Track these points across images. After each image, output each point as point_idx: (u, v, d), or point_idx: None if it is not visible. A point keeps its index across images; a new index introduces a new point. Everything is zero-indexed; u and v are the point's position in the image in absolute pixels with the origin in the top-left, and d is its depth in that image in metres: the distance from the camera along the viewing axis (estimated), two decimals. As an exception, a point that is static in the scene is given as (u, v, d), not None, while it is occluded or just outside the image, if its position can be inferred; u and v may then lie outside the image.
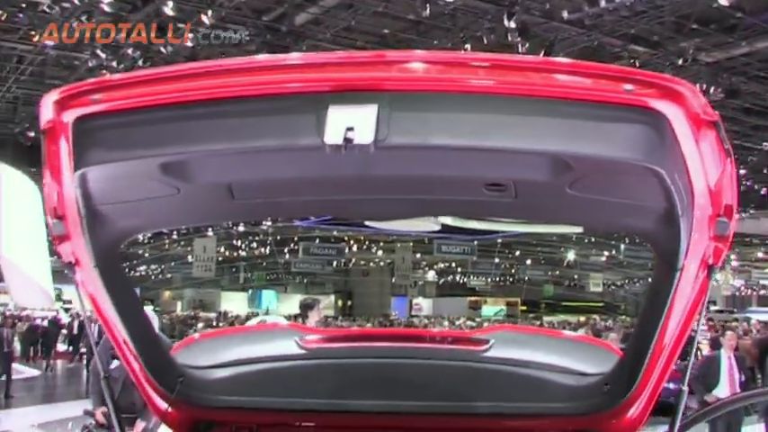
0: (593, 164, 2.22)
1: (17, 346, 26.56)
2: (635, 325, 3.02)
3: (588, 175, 2.34)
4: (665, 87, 2.04)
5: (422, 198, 2.81)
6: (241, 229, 42.31)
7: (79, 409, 12.81)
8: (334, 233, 46.99)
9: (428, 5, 14.52)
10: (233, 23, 16.45)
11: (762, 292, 70.86)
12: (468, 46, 16.22)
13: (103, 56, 16.35)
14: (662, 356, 2.58)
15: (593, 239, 47.73)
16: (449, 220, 35.72)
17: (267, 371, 3.16)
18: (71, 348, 33.77)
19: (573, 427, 3.02)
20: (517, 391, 3.07)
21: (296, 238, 46.81)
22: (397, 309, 60.22)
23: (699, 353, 16.41)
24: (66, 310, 41.71)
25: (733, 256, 50.97)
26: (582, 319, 44.77)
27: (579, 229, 40.33)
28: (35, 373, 26.77)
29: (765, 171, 27.85)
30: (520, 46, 15.28)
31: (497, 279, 64.59)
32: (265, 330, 4.63)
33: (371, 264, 62.50)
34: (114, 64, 16.62)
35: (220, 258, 49.96)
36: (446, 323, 41.49)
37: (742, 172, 27.49)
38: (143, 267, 59.29)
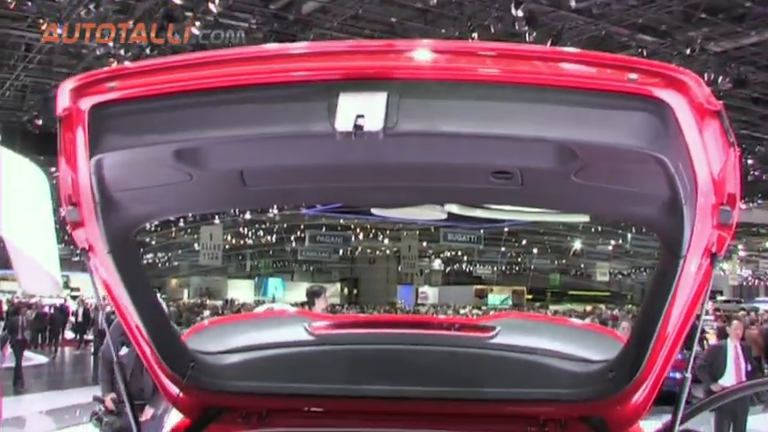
0: (598, 152, 2.25)
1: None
2: (639, 312, 3.04)
3: (593, 163, 2.37)
4: (669, 77, 2.06)
5: (429, 186, 2.84)
6: (248, 216, 42.36)
7: (86, 396, 12.92)
8: (341, 221, 47.08)
9: (436, -6, 14.53)
10: (240, 12, 16.47)
11: (769, 281, 70.84)
12: (475, 35, 16.21)
13: (111, 44, 16.37)
14: (666, 344, 2.60)
15: (599, 229, 47.69)
16: (455, 209, 35.75)
17: (277, 357, 3.20)
18: (77, 336, 34.00)
19: (577, 413, 3.05)
20: (523, 377, 3.10)
21: (302, 226, 46.90)
22: (403, 297, 60.32)
23: (705, 342, 16.47)
24: (74, 297, 41.90)
25: (740, 246, 50.91)
26: (588, 308, 44.83)
27: (586, 218, 40.35)
28: (43, 360, 26.90)
29: (773, 161, 27.80)
30: (527, 35, 15.26)
31: (503, 268, 64.63)
32: (275, 317, 4.66)
33: (378, 252, 62.63)
34: (122, 53, 16.65)
35: (227, 246, 50.10)
36: (450, 312, 41.54)
37: (750, 162, 27.42)
38: (150, 255, 59.52)
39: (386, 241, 55.98)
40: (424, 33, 16.92)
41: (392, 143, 2.11)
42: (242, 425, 3.19)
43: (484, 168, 2.54)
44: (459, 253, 60.82)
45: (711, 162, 2.16)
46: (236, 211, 38.71)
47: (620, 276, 71.90)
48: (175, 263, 65.59)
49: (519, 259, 62.09)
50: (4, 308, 30.80)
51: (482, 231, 42.08)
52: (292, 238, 51.27)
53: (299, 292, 59.13)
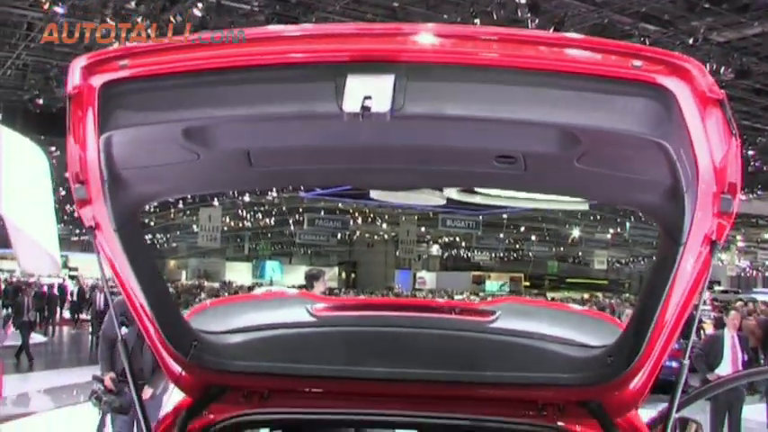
0: (601, 137, 2.27)
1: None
2: (638, 299, 3.06)
3: (596, 148, 2.39)
4: (673, 64, 2.08)
5: (433, 169, 2.86)
6: (247, 199, 42.38)
7: (84, 376, 12.99)
8: (340, 205, 47.09)
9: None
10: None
11: (767, 273, 70.97)
12: (477, 21, 16.17)
13: (113, 24, 16.32)
14: (664, 330, 2.62)
15: (598, 217, 47.74)
16: (454, 195, 35.77)
17: (279, 337, 3.21)
18: (72, 315, 34.17)
19: (576, 398, 3.06)
20: (522, 361, 3.12)
21: (301, 210, 46.91)
22: (400, 282, 60.47)
23: (702, 332, 16.52)
24: (72, 277, 42.00)
25: (739, 237, 50.99)
26: (586, 296, 44.94)
27: (584, 207, 40.38)
28: (42, 339, 26.99)
29: (774, 152, 27.79)
30: (529, 22, 15.24)
31: (501, 255, 64.72)
32: (277, 298, 4.68)
33: (376, 236, 62.68)
34: (124, 34, 16.61)
35: (225, 228, 50.11)
36: (446, 298, 41.56)
37: (750, 153, 27.41)
38: (148, 236, 59.53)
39: (384, 226, 56.05)
40: (426, 18, 16.85)
41: (397, 126, 2.13)
42: (244, 404, 3.21)
43: (487, 152, 2.57)
44: (458, 239, 60.87)
45: (713, 150, 2.18)
46: (236, 193, 38.77)
47: (618, 265, 72.03)
48: (174, 244, 65.68)
49: (517, 246, 62.15)
50: (2, 287, 30.86)
51: (481, 218, 42.07)
52: (291, 221, 51.31)
53: (296, 275, 59.32)
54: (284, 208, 47.37)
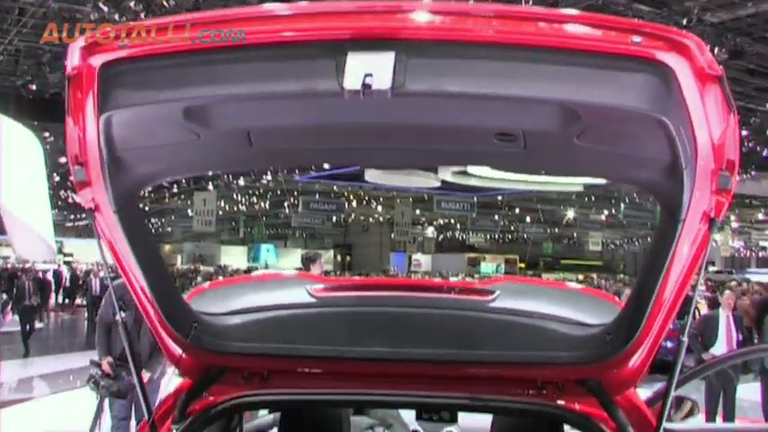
0: (601, 114, 2.30)
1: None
2: (637, 276, 3.08)
3: (595, 125, 2.41)
4: (672, 40, 2.10)
5: (434, 147, 2.88)
6: (241, 183, 42.28)
7: (81, 360, 12.98)
8: (334, 188, 47.01)
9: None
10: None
11: (761, 253, 71.15)
12: None
13: (105, 9, 16.24)
14: (663, 308, 2.62)
15: (592, 198, 47.73)
16: (449, 177, 35.74)
17: (279, 318, 3.22)
18: (64, 300, 34.19)
19: (575, 376, 3.07)
20: (521, 340, 3.13)
21: (296, 193, 46.84)
22: (396, 264, 60.54)
23: (697, 312, 16.56)
24: (67, 263, 41.97)
25: (733, 218, 51.07)
26: (580, 277, 45.01)
27: (579, 188, 40.38)
28: (37, 325, 26.94)
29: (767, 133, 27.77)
30: (523, 1, 15.18)
31: (496, 237, 64.75)
32: (277, 279, 4.68)
33: (371, 219, 62.66)
34: (116, 17, 16.52)
35: (220, 212, 50.03)
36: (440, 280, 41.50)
37: (744, 133, 27.38)
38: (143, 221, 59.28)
39: (379, 208, 55.99)
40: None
41: (398, 104, 2.15)
42: (244, 386, 3.22)
43: (487, 130, 2.58)
44: (452, 221, 60.87)
45: (712, 127, 2.20)
46: (230, 177, 38.68)
47: (612, 246, 72.10)
48: (168, 228, 65.57)
49: (512, 228, 62.15)
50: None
51: (475, 199, 42.05)
52: (285, 204, 51.22)
53: (291, 259, 59.32)
54: (279, 191, 47.26)
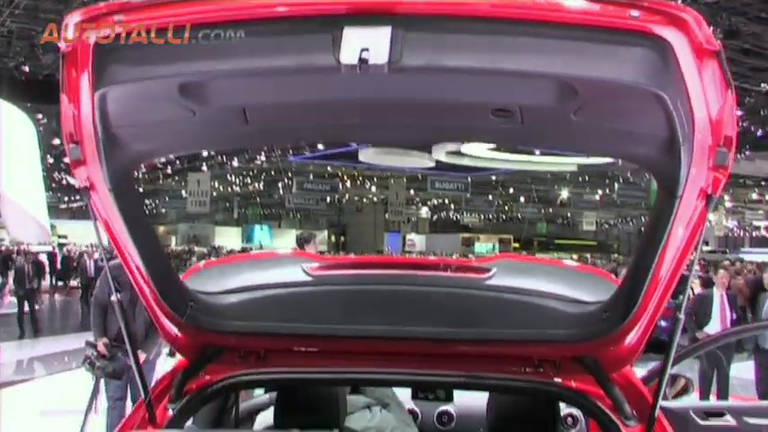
0: (598, 89, 2.29)
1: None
2: (634, 254, 3.08)
3: (593, 100, 2.40)
4: (670, 15, 2.10)
5: (430, 123, 2.86)
6: (235, 163, 42.19)
7: (76, 342, 12.99)
8: (328, 168, 46.94)
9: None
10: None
11: (755, 233, 71.31)
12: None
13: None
14: (659, 285, 2.63)
15: (587, 178, 47.72)
16: (442, 157, 35.70)
17: (275, 297, 3.22)
18: (56, 282, 34.14)
19: (572, 353, 3.08)
20: (518, 318, 3.13)
21: (290, 173, 46.75)
22: (390, 244, 60.55)
23: (691, 291, 16.61)
24: (61, 245, 41.89)
25: (727, 197, 51.10)
26: (575, 257, 45.07)
27: (573, 168, 40.40)
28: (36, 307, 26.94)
29: (762, 113, 27.75)
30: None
31: (491, 216, 64.74)
32: (273, 258, 4.67)
33: (365, 200, 62.63)
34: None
35: (214, 193, 49.93)
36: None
37: (739, 113, 27.38)
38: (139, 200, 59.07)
39: (373, 189, 55.95)
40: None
41: (394, 79, 2.15)
42: (240, 364, 3.23)
43: (484, 106, 2.57)
44: (447, 201, 60.84)
45: (709, 102, 2.20)
46: (224, 157, 38.57)
47: (606, 226, 72.17)
48: (163, 210, 65.47)
49: (506, 207, 62.14)
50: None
51: (469, 179, 42.00)
52: (280, 185, 51.14)
53: (286, 239, 59.28)
54: (273, 172, 47.17)
